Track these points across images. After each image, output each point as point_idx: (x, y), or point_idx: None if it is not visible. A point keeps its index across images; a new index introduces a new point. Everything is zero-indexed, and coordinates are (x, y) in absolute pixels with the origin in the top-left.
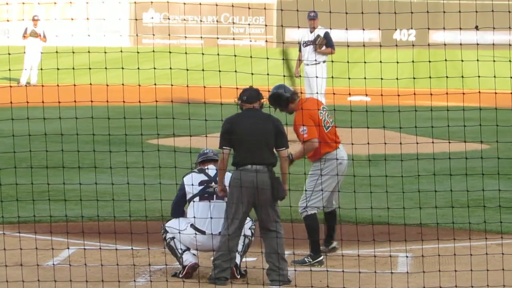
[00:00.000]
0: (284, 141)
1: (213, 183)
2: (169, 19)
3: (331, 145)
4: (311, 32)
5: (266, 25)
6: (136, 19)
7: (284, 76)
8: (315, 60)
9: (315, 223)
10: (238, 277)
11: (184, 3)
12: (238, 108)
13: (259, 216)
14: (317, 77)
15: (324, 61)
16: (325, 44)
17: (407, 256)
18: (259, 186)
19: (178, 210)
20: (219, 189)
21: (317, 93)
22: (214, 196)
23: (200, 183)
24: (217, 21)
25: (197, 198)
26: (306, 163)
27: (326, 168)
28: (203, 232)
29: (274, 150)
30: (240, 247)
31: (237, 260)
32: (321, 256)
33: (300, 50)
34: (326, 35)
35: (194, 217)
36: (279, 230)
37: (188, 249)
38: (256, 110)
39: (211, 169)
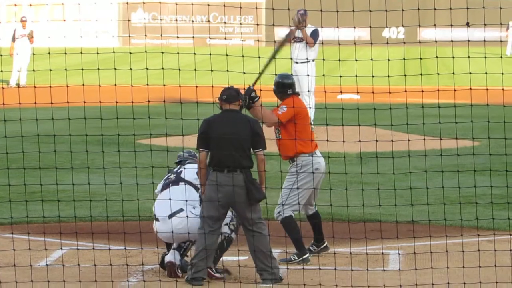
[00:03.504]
0: (261, 143)
1: (171, 174)
2: (161, 20)
3: (309, 146)
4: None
5: (257, 24)
6: (128, 20)
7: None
8: (306, 59)
9: (292, 222)
10: (217, 275)
11: (176, 3)
12: (217, 107)
13: (239, 217)
14: (308, 75)
15: (313, 60)
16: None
17: (399, 254)
18: (234, 188)
19: None
20: (202, 189)
21: (308, 91)
22: (169, 185)
23: (165, 179)
24: (209, 21)
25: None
26: (282, 162)
27: (302, 174)
28: (156, 219)
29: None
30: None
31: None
32: (307, 253)
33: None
34: (314, 33)
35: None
36: (261, 230)
37: (170, 247)
38: (234, 111)
39: (177, 168)
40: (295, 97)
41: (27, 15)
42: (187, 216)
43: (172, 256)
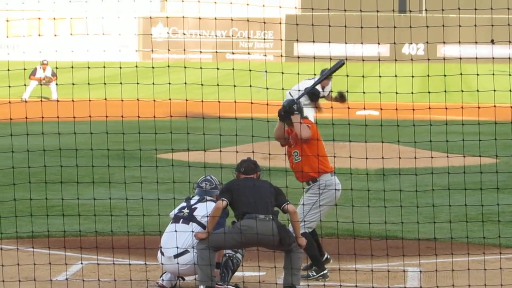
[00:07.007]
0: (285, 197)
1: (185, 209)
2: (184, 34)
3: (329, 166)
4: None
5: (281, 40)
6: (150, 34)
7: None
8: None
9: (308, 238)
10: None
11: (200, 18)
12: (234, 176)
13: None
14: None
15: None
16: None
17: (420, 271)
18: (265, 233)
19: None
20: (201, 235)
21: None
22: (181, 220)
23: (180, 209)
24: (232, 36)
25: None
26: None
27: (324, 194)
28: (162, 253)
29: (280, 209)
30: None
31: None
32: (325, 269)
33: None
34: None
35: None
36: (297, 250)
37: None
38: (253, 178)
39: (194, 199)
40: (306, 119)
41: (47, 29)
42: (192, 253)
43: (167, 281)
